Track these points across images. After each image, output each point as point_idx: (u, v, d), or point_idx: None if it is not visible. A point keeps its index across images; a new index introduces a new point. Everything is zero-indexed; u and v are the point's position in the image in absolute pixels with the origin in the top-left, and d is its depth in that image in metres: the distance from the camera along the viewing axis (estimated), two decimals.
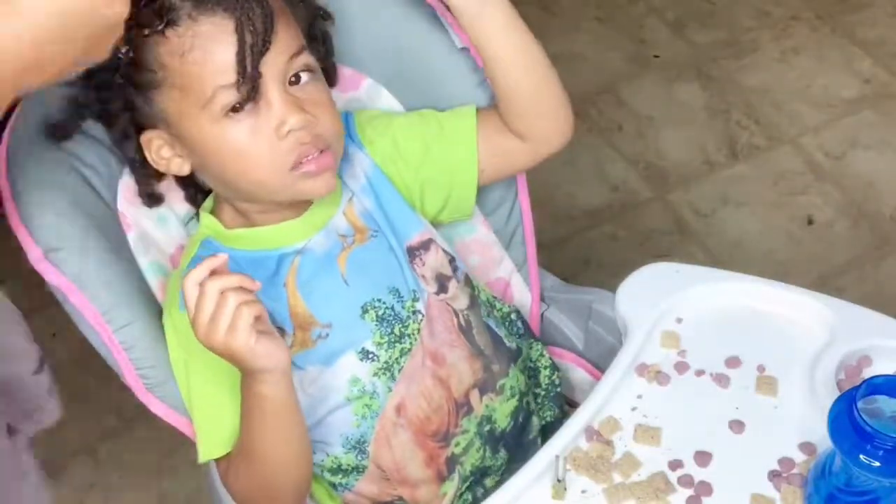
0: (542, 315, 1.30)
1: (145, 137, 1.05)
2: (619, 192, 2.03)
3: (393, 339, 1.08)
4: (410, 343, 1.09)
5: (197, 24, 0.97)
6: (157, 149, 1.05)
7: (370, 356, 1.07)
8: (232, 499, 1.07)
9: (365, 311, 1.08)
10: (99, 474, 1.71)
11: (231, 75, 0.97)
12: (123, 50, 0.99)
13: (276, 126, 0.99)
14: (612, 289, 1.14)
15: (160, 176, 1.10)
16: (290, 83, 1.01)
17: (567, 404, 1.25)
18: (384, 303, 1.09)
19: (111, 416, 1.76)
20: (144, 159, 1.06)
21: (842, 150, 2.09)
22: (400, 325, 1.09)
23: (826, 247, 1.93)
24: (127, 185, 1.11)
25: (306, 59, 1.03)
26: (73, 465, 1.72)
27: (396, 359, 1.08)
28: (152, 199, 1.12)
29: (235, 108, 0.98)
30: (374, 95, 1.21)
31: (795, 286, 1.12)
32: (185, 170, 1.06)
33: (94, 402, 1.77)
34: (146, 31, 0.98)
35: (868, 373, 1.06)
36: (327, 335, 1.07)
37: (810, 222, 1.97)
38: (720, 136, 2.13)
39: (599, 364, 1.25)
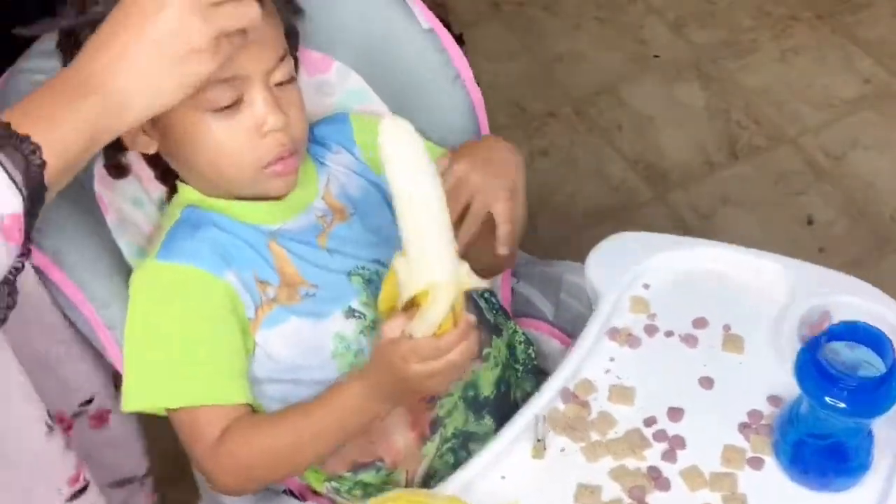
0: (511, 289, 1.31)
1: None
2: (619, 192, 2.03)
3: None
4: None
5: None
6: None
7: (356, 314, 1.08)
8: (219, 464, 1.03)
9: (351, 276, 1.09)
10: None
11: (224, 72, 0.96)
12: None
13: (257, 125, 1.01)
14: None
15: (125, 148, 1.08)
16: (275, 84, 1.02)
17: (542, 374, 1.24)
18: (369, 269, 1.10)
19: None
20: None
21: (842, 150, 2.09)
22: None
23: (826, 247, 1.93)
24: (101, 167, 1.11)
25: (290, 63, 1.05)
26: None
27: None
28: (118, 170, 1.11)
29: (222, 109, 1.00)
30: (343, 77, 1.23)
31: (756, 249, 1.18)
32: (150, 149, 1.06)
33: None
34: None
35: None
36: (314, 294, 1.07)
37: (810, 222, 1.97)
38: (720, 136, 2.13)
39: (571, 332, 1.27)
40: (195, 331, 1.03)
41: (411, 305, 0.94)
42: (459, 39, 2.22)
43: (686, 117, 2.17)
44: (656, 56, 2.30)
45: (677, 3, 2.40)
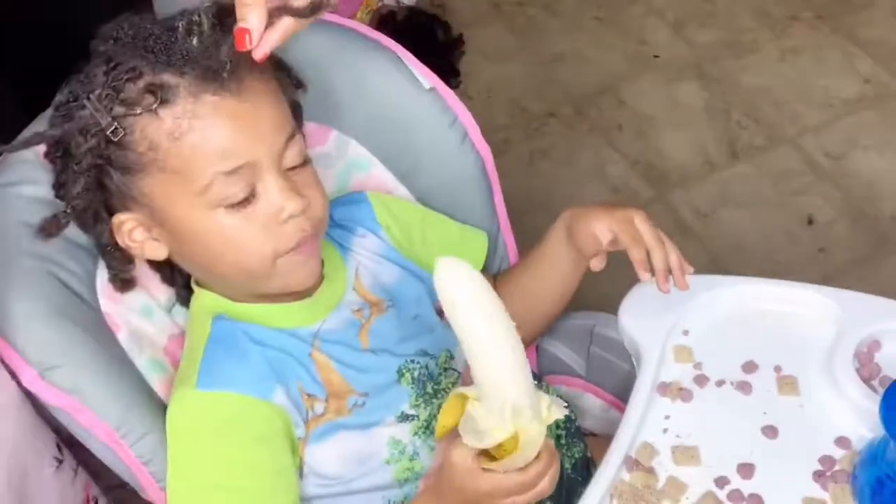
0: (536, 346, 1.26)
1: (116, 220, 0.97)
2: (619, 192, 2.03)
3: (428, 398, 1.05)
4: (446, 398, 1.05)
5: (196, 105, 0.90)
6: (129, 231, 0.97)
7: (409, 418, 1.04)
8: None
9: (401, 375, 1.05)
10: None
11: (232, 162, 0.91)
12: (110, 130, 0.91)
13: (275, 214, 0.94)
14: (614, 290, 1.13)
15: (133, 260, 1.03)
16: (287, 169, 0.96)
17: (585, 434, 1.21)
18: (418, 363, 1.06)
19: None
20: (116, 243, 0.99)
21: (842, 150, 2.09)
22: (432, 384, 1.06)
23: (826, 247, 1.93)
24: (105, 282, 1.04)
25: (300, 143, 0.98)
26: None
27: (435, 415, 1.04)
28: (124, 284, 1.04)
29: (238, 203, 0.93)
30: (342, 147, 1.18)
31: (794, 282, 1.12)
32: (160, 254, 0.98)
33: None
34: (137, 110, 0.90)
35: (879, 357, 1.06)
36: (364, 403, 1.02)
37: (810, 222, 1.97)
38: (720, 136, 2.13)
39: (608, 388, 1.23)
40: (256, 480, 0.96)
41: (497, 448, 0.89)
42: (459, 39, 2.23)
43: (686, 117, 2.17)
44: (656, 56, 2.30)
45: (677, 3, 2.40)
